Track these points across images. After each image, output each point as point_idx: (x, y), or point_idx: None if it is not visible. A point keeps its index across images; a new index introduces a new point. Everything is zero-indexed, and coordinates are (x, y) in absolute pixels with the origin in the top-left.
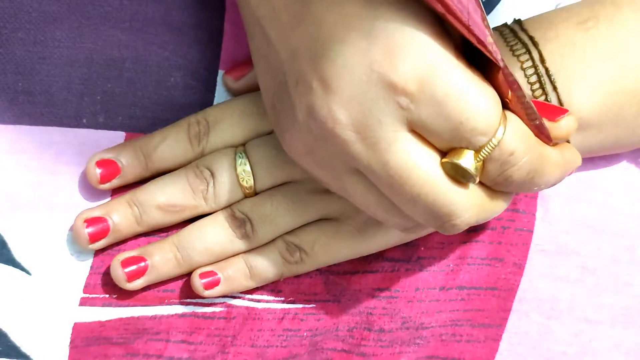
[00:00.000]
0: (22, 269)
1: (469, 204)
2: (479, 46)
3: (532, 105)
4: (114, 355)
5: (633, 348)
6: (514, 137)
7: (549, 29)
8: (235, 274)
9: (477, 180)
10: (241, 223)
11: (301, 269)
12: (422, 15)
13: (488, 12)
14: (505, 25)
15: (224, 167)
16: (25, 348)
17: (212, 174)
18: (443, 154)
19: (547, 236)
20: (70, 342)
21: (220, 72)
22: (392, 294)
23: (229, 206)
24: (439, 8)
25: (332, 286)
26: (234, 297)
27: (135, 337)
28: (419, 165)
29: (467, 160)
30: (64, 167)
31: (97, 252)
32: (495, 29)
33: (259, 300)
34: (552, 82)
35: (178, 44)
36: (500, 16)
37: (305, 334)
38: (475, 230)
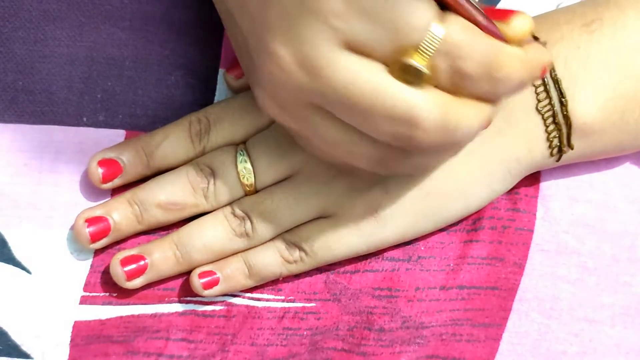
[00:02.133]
0: (23, 267)
1: (430, 104)
2: None
3: (477, 6)
4: (114, 353)
5: (633, 348)
6: (457, 29)
7: (553, 30)
8: (234, 273)
9: (429, 74)
10: (241, 221)
11: (300, 268)
12: None
13: None
14: None
15: (224, 164)
16: (25, 347)
17: (213, 172)
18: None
19: (548, 236)
20: (71, 341)
21: (221, 71)
22: (393, 294)
23: (229, 204)
24: None
25: (332, 285)
26: (234, 296)
27: (136, 336)
28: (366, 77)
29: (414, 58)
30: (64, 166)
31: (97, 251)
32: None
33: (259, 299)
34: (558, 86)
35: (178, 43)
36: None
37: (305, 333)
38: (475, 230)
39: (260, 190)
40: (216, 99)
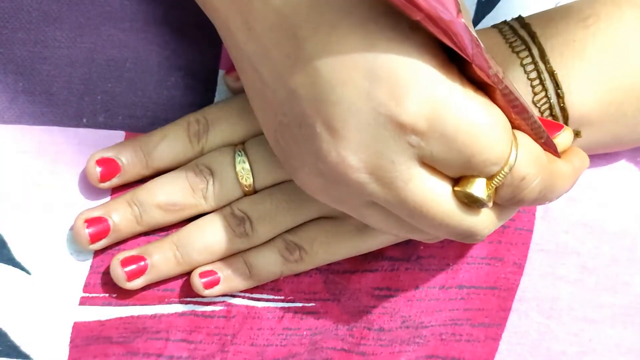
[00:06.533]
0: (22, 268)
1: (487, 222)
2: (482, 74)
3: (539, 122)
4: (114, 354)
5: (633, 347)
6: (525, 162)
7: (549, 26)
8: (235, 273)
9: (491, 204)
10: (240, 221)
11: (301, 267)
12: (424, 45)
13: (488, 12)
14: (504, 22)
15: (223, 165)
16: (25, 347)
17: (212, 173)
18: (455, 180)
19: (547, 236)
20: (70, 342)
21: (221, 72)
22: (392, 293)
23: (228, 205)
24: (448, 42)
25: (331, 285)
26: (234, 296)
27: (135, 336)
28: (436, 201)
29: (479, 189)
30: (64, 167)
31: (97, 252)
32: (494, 26)
33: (258, 299)
34: (554, 79)
35: (178, 44)
36: (499, 16)
37: (304, 332)
38: None
39: (260, 190)
40: (216, 100)
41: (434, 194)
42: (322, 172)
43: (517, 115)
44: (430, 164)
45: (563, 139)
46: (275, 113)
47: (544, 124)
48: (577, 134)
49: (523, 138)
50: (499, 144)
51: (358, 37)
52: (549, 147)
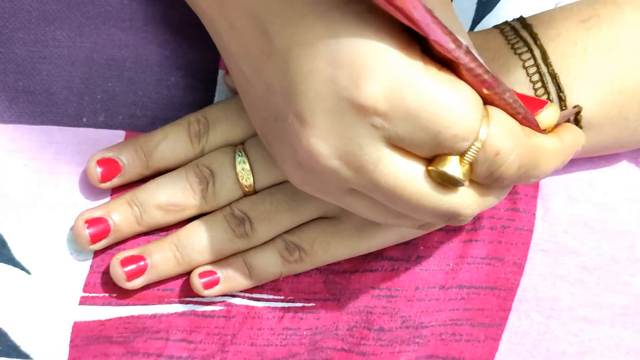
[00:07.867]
0: (22, 268)
1: (468, 202)
2: (441, 49)
3: (515, 97)
4: (114, 354)
5: (633, 347)
6: (498, 136)
7: (550, 27)
8: (235, 273)
9: (467, 183)
10: (240, 222)
11: (300, 267)
12: (385, 27)
13: (487, 12)
14: (506, 23)
15: (223, 165)
16: (25, 347)
17: (212, 173)
18: (429, 160)
19: (547, 236)
20: (70, 341)
21: (221, 72)
22: (392, 293)
23: (228, 205)
24: (401, 18)
25: (331, 285)
26: (234, 296)
27: (135, 336)
28: (409, 182)
29: (453, 166)
30: (64, 166)
31: (97, 252)
32: (496, 26)
33: (258, 299)
34: (556, 81)
35: (178, 44)
36: (499, 16)
37: (304, 332)
38: (475, 230)
39: (260, 191)
40: (216, 99)
41: (406, 175)
42: (299, 163)
43: (488, 90)
44: (399, 146)
45: (546, 115)
46: (259, 109)
47: (525, 100)
48: (577, 120)
49: (496, 113)
50: (466, 118)
51: (323, 25)
52: (530, 122)
